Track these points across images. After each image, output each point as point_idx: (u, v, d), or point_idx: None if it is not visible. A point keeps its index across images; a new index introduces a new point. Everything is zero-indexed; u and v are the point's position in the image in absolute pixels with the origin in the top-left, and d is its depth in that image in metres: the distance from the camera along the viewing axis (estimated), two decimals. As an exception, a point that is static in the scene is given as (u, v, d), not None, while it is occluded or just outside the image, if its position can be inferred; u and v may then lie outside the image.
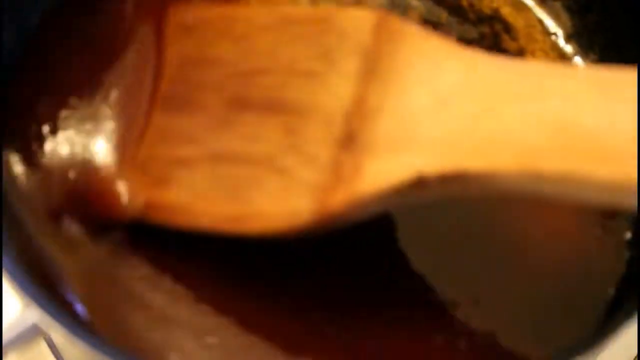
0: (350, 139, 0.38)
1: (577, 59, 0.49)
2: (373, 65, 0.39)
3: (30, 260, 0.39)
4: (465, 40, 0.47)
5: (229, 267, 0.42)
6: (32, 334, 0.35)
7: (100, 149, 0.43)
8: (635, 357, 0.48)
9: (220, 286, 0.42)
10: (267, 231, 0.40)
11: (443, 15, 0.49)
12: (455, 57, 0.38)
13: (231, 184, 0.41)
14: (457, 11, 0.49)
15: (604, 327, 0.40)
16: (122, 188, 0.42)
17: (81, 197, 0.42)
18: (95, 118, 0.44)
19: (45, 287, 0.37)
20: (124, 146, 0.43)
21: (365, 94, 0.39)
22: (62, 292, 0.40)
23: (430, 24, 0.49)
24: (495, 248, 0.43)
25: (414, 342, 0.41)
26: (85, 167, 0.43)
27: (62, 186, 0.42)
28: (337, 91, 0.40)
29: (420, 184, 0.37)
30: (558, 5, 0.50)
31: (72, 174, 0.43)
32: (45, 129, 0.43)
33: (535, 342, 0.42)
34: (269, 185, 0.40)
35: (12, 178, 0.43)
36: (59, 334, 0.35)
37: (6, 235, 0.38)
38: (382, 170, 0.37)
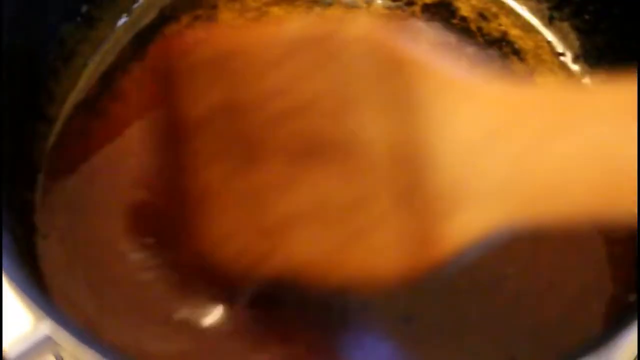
0: (410, 193, 0.37)
1: (586, 79, 0.50)
2: (402, 100, 0.37)
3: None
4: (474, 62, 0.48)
5: None
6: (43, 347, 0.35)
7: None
8: (636, 357, 0.48)
9: None
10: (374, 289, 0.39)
11: (452, 38, 0.50)
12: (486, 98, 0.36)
13: (325, 241, 0.39)
14: (466, 33, 0.50)
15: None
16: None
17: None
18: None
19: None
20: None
21: (404, 136, 0.37)
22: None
23: (440, 46, 0.49)
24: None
25: None
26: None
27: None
28: (377, 130, 0.38)
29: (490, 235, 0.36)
30: (566, 25, 0.50)
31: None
32: None
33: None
34: (360, 243, 0.39)
35: None
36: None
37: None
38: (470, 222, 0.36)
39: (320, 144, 0.39)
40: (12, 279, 0.36)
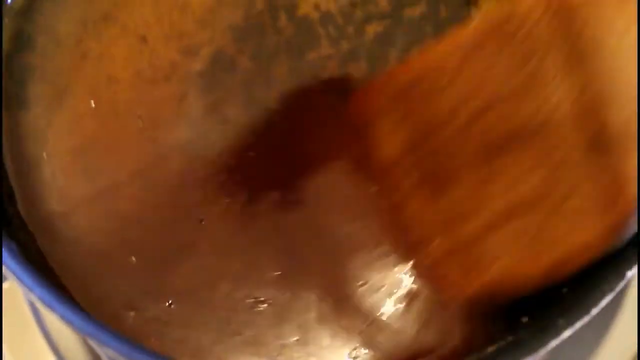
0: (598, 140, 0.37)
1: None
2: (570, 52, 0.37)
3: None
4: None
5: None
6: None
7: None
8: (636, 357, 0.47)
9: None
10: (591, 258, 0.38)
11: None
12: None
13: (530, 235, 0.39)
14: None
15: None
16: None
17: None
18: None
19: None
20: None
21: (584, 83, 0.37)
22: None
23: None
24: None
25: None
26: None
27: None
28: (558, 94, 0.38)
29: None
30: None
31: None
32: None
33: None
34: (564, 221, 0.39)
35: None
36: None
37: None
38: None
39: (519, 129, 0.39)
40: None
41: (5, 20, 0.46)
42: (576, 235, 0.38)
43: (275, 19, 0.47)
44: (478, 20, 0.41)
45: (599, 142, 0.37)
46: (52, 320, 0.45)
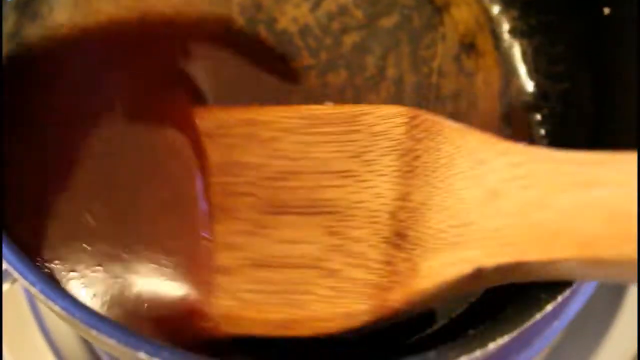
0: (400, 237, 0.38)
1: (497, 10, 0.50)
2: (412, 163, 0.39)
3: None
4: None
5: None
6: None
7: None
8: (636, 357, 0.47)
9: None
10: (324, 333, 0.40)
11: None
12: (498, 150, 0.38)
13: (279, 289, 0.40)
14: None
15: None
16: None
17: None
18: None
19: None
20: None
21: (409, 191, 0.39)
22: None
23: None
24: None
25: None
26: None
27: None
28: (377, 191, 0.40)
29: (478, 276, 0.37)
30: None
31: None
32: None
33: None
34: (319, 288, 0.40)
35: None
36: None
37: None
38: (439, 266, 0.37)
39: (317, 203, 0.41)
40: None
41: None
42: (325, 307, 0.39)
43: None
44: (339, 108, 0.43)
45: (399, 240, 0.39)
46: (53, 320, 0.46)
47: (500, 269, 0.36)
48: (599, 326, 0.52)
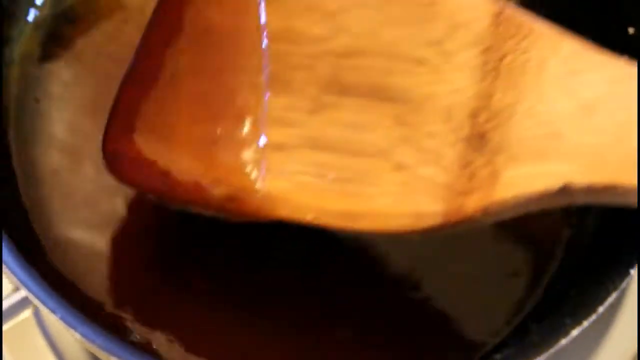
0: (481, 139, 0.36)
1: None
2: (496, 63, 0.36)
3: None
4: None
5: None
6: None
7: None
8: (636, 357, 0.47)
9: None
10: (387, 231, 0.37)
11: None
12: (596, 62, 0.35)
13: (341, 176, 0.38)
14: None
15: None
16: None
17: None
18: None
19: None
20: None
21: (491, 92, 0.36)
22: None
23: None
24: None
25: None
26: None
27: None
28: (455, 86, 0.37)
29: (564, 192, 0.34)
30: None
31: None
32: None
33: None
34: (386, 182, 0.37)
35: None
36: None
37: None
38: (524, 177, 0.35)
39: (386, 87, 0.37)
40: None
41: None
42: (393, 203, 0.37)
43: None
44: None
45: (479, 142, 0.36)
46: (53, 320, 0.45)
47: (590, 189, 0.34)
48: (599, 326, 0.52)
